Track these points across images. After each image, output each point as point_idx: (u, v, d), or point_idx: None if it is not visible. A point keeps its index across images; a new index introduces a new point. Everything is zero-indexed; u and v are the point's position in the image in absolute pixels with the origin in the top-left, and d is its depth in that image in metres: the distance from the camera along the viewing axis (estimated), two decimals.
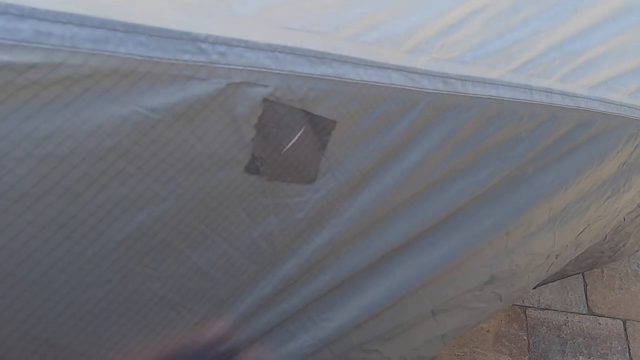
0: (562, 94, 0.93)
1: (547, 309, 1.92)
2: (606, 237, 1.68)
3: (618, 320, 1.97)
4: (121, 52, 0.45)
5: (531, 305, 1.91)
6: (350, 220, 0.68)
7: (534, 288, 1.84)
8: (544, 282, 1.85)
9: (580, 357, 1.78)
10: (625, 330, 1.86)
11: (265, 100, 0.54)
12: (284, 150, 0.58)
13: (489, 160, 0.86)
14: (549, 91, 0.90)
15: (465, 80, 0.75)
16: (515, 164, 0.90)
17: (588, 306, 2.06)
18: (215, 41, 0.50)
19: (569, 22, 0.86)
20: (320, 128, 0.62)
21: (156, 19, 0.46)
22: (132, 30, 0.45)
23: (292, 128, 0.58)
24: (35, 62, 0.40)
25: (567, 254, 1.35)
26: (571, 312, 2.01)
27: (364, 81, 0.63)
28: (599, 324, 1.99)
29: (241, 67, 0.52)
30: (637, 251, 1.86)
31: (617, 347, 1.80)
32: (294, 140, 0.59)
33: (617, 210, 1.39)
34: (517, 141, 0.89)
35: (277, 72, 0.55)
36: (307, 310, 0.64)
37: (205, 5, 0.49)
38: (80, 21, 0.42)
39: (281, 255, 0.62)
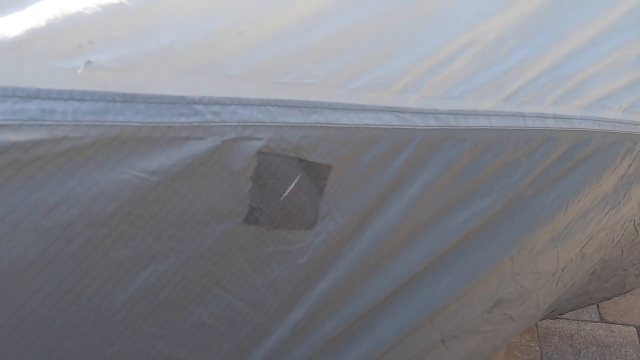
0: (556, 117, 0.94)
1: (558, 318, 1.90)
2: (623, 251, 1.68)
3: (631, 327, 1.95)
4: (120, 120, 0.47)
5: None
6: (354, 261, 0.69)
7: (554, 318, 1.82)
8: (572, 308, 1.83)
9: None
10: (639, 337, 1.84)
11: (259, 152, 0.56)
12: (282, 198, 0.60)
13: (490, 187, 0.88)
14: (543, 116, 0.91)
15: (457, 114, 0.77)
16: (516, 188, 0.91)
17: (600, 314, 2.03)
18: (210, 102, 0.52)
19: (557, 48, 0.87)
20: (316, 174, 0.63)
21: (153, 86, 0.48)
22: (130, 99, 0.47)
23: (288, 176, 0.60)
24: (40, 139, 0.43)
25: (573, 265, 1.35)
26: (583, 321, 1.98)
27: (356, 125, 0.65)
28: (612, 331, 1.96)
29: (235, 123, 0.54)
30: None
31: (632, 354, 1.78)
32: (290, 188, 0.60)
33: (617, 221, 1.39)
34: (516, 166, 0.91)
35: (270, 124, 0.57)
36: (315, 357, 0.65)
37: (199, 69, 0.51)
38: (81, 96, 0.45)
39: (286, 303, 0.63)
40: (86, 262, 0.47)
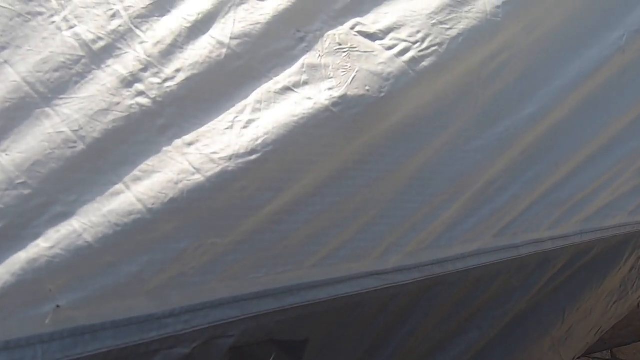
0: (553, 239, 0.91)
1: None
2: (638, 304, 1.62)
3: None
4: (89, 350, 0.48)
5: None
6: None
7: None
8: (587, 353, 1.77)
9: None
10: None
11: (231, 348, 0.56)
12: None
13: (482, 319, 0.86)
14: (538, 241, 0.89)
15: (443, 262, 0.76)
16: (511, 314, 0.88)
17: (612, 351, 1.96)
18: (180, 312, 0.53)
19: (550, 177, 0.84)
20: (292, 349, 0.63)
21: (122, 312, 0.49)
22: (99, 328, 0.49)
23: (262, 358, 0.60)
24: None
25: (590, 343, 1.29)
26: (595, 358, 1.91)
27: (334, 297, 0.65)
28: None
29: (207, 325, 0.55)
30: None
31: None
32: None
33: (627, 307, 1.33)
34: (510, 293, 0.88)
35: (243, 317, 0.57)
36: None
37: (169, 285, 0.52)
38: (50, 337, 0.46)
39: None
40: None
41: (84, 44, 0.53)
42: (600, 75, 0.88)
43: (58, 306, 0.47)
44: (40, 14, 0.53)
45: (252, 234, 0.58)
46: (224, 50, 0.57)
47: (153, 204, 0.50)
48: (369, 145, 0.65)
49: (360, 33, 0.65)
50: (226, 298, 0.57)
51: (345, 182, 0.64)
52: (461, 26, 0.68)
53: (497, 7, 0.72)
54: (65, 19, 0.53)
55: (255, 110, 0.58)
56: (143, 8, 0.56)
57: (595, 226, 1.02)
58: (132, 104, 0.53)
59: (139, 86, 0.53)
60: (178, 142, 0.54)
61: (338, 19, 0.65)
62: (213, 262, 0.56)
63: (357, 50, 0.64)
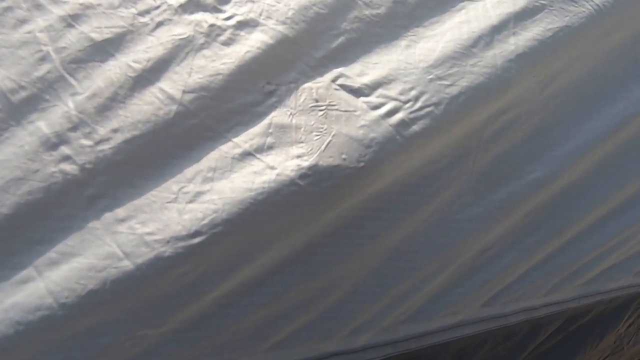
0: (547, 305, 0.82)
1: None
2: None
3: None
4: None
5: None
6: None
7: None
8: None
9: None
10: None
11: None
12: None
13: None
14: (530, 309, 0.79)
15: (421, 336, 0.67)
16: None
17: None
18: None
19: (552, 244, 0.75)
20: None
21: None
22: None
23: None
24: None
25: None
26: None
27: None
28: None
29: None
30: None
31: None
32: None
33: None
34: None
35: None
36: None
37: None
38: None
39: None
40: None
41: (1, 95, 0.44)
42: (623, 133, 0.77)
43: None
44: None
45: (194, 321, 0.49)
46: (174, 107, 0.48)
47: (67, 298, 0.42)
48: (343, 217, 0.55)
49: (343, 87, 0.55)
50: None
51: (313, 259, 0.55)
52: (464, 83, 0.58)
53: (510, 60, 0.61)
54: None
55: (206, 179, 0.48)
56: (80, 50, 0.46)
57: (596, 289, 0.93)
58: (55, 172, 0.44)
59: (64, 149, 0.44)
60: (109, 216, 0.45)
61: (318, 68, 0.54)
62: (144, 354, 0.47)
63: (336, 109, 0.54)
